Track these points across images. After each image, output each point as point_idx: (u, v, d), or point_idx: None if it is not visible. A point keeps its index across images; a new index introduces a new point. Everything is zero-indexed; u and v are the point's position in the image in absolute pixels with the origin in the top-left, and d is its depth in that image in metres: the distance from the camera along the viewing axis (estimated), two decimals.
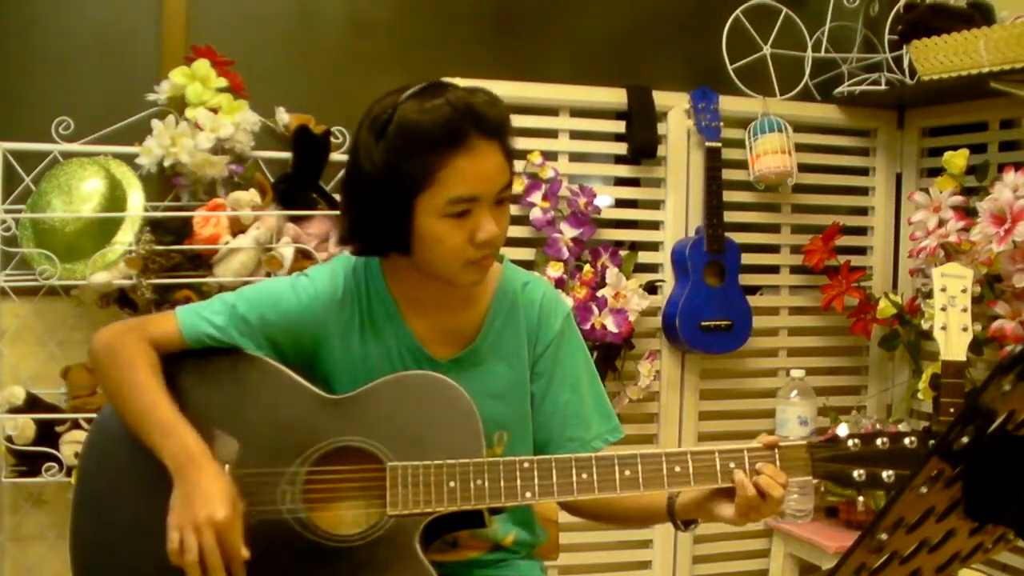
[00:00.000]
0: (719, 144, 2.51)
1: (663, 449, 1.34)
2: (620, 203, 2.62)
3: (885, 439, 1.29)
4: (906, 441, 1.28)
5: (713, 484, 1.31)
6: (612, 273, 2.39)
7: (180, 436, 1.28)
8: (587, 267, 2.40)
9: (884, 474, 1.28)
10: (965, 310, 1.85)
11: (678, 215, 2.57)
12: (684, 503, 1.38)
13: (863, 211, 2.79)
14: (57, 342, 2.19)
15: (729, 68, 2.56)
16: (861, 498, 1.34)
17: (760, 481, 1.28)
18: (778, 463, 1.30)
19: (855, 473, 1.28)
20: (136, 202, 2.14)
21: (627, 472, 1.31)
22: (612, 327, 2.36)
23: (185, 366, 1.38)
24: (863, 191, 2.79)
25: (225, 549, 1.22)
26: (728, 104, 2.54)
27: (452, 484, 1.30)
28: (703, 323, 2.48)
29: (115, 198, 2.12)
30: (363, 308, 1.42)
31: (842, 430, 1.31)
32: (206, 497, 1.23)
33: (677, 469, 1.31)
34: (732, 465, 1.30)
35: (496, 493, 1.30)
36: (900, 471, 1.27)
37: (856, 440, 1.30)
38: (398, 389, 1.36)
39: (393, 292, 1.43)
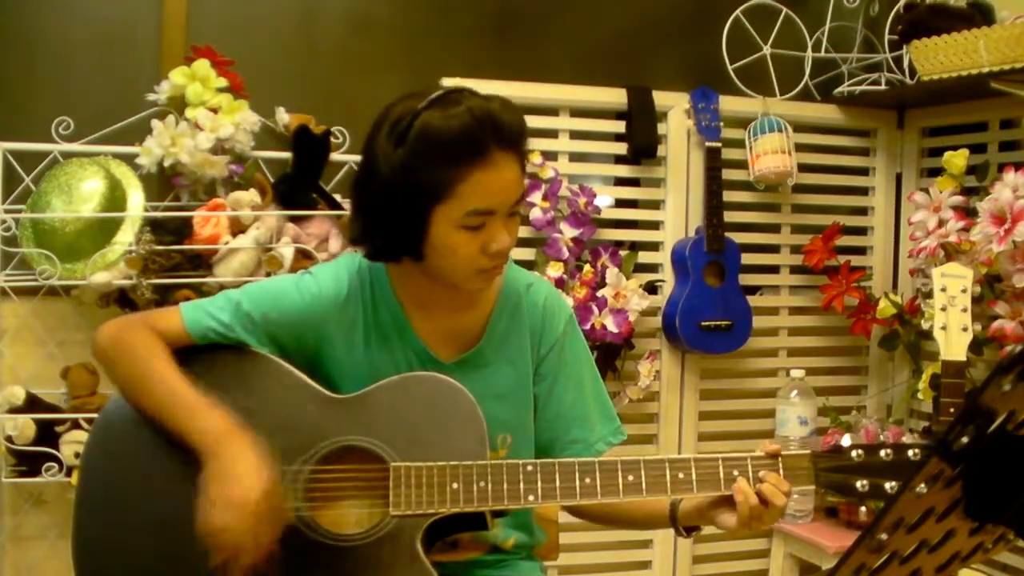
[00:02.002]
0: (719, 144, 2.51)
1: (667, 455, 1.33)
2: (620, 203, 2.62)
3: (889, 450, 1.28)
4: (910, 453, 1.28)
5: (716, 492, 1.31)
6: (612, 273, 2.39)
7: (206, 414, 1.28)
8: (587, 267, 2.40)
9: (887, 485, 1.27)
10: (965, 310, 1.85)
11: (678, 215, 2.57)
12: (686, 510, 1.37)
13: (863, 211, 2.79)
14: (57, 342, 2.19)
15: (729, 68, 2.56)
16: (864, 508, 1.34)
17: (763, 489, 1.27)
18: (781, 472, 1.30)
19: (858, 484, 1.28)
20: (136, 202, 2.14)
21: (630, 477, 1.31)
22: (612, 327, 2.36)
23: (189, 363, 1.37)
24: (863, 191, 2.79)
25: (259, 530, 1.22)
26: (728, 104, 2.54)
27: (455, 485, 1.30)
28: (703, 323, 2.48)
29: (115, 198, 2.12)
30: (367, 309, 1.42)
31: (846, 440, 1.31)
32: (241, 474, 1.23)
33: (680, 475, 1.30)
34: (736, 473, 1.30)
35: (499, 495, 1.30)
36: (903, 482, 1.27)
37: (860, 451, 1.29)
38: (403, 390, 1.36)
39: (398, 294, 1.43)
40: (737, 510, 1.29)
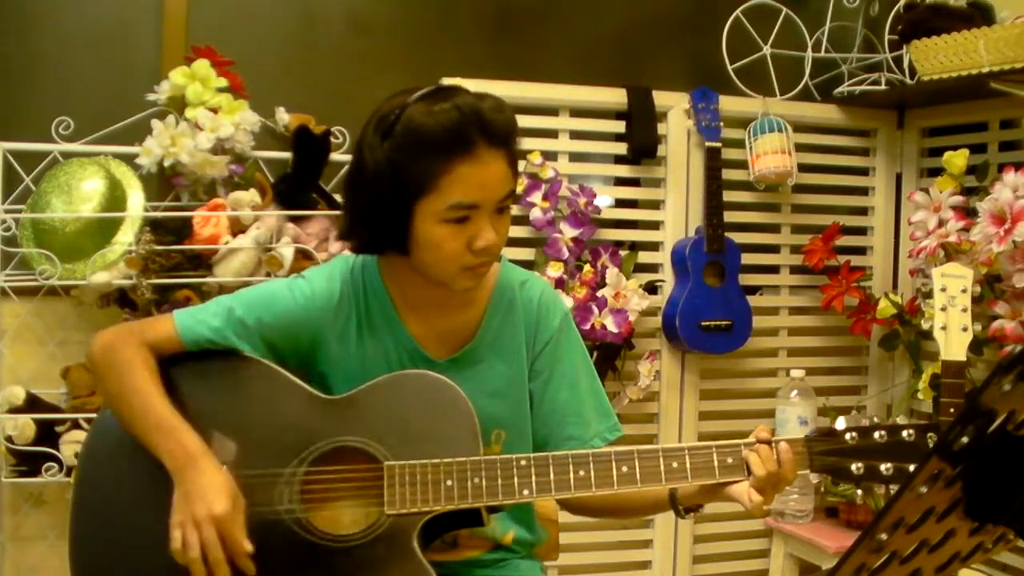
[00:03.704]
0: (719, 144, 2.51)
1: (660, 445, 1.34)
2: (620, 203, 2.62)
3: (883, 432, 1.29)
4: (904, 434, 1.28)
5: (711, 479, 1.31)
6: (612, 273, 2.39)
7: (178, 436, 1.28)
8: (587, 267, 2.40)
9: (882, 467, 1.27)
10: (965, 310, 1.85)
11: (678, 215, 2.57)
12: (687, 491, 1.37)
13: (863, 211, 2.79)
14: (57, 342, 2.19)
15: (729, 68, 2.56)
16: (860, 491, 1.34)
17: (778, 448, 1.28)
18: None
19: (853, 466, 1.28)
20: (136, 202, 2.14)
21: (624, 468, 1.31)
22: (612, 327, 2.36)
23: (183, 369, 1.38)
24: (863, 191, 2.79)
25: (227, 543, 1.23)
26: (728, 104, 2.54)
27: (449, 483, 1.30)
28: (703, 323, 2.48)
29: (115, 198, 2.12)
30: (360, 310, 1.42)
31: (840, 424, 1.31)
32: (205, 493, 1.24)
33: (674, 465, 1.31)
34: (730, 460, 1.30)
35: (493, 491, 1.30)
36: (898, 464, 1.27)
37: (854, 434, 1.29)
38: (395, 388, 1.36)
39: (391, 294, 1.43)
40: (753, 479, 1.28)
